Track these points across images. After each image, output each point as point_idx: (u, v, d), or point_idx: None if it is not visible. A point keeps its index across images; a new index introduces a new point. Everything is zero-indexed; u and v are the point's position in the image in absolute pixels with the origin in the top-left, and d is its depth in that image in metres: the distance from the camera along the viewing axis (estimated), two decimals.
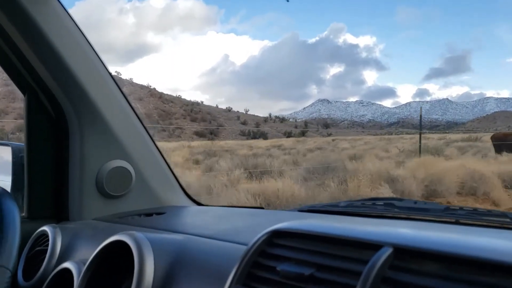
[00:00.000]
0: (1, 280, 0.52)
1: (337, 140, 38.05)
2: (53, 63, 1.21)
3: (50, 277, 1.10)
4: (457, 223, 0.92)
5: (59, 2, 1.21)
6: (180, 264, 0.87)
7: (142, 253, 0.86)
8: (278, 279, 0.65)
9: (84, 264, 0.99)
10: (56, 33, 1.19)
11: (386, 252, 0.57)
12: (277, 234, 0.70)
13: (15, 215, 0.63)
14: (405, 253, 0.56)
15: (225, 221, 1.15)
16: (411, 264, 0.55)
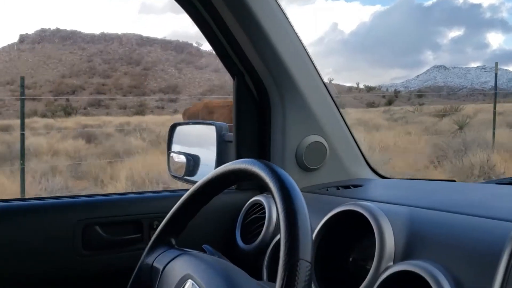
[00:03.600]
0: (302, 273, 0.59)
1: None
2: (262, 45, 1.38)
3: (274, 241, 1.31)
4: None
5: None
6: (419, 234, 0.91)
7: (379, 222, 0.93)
8: None
9: None
10: (264, 15, 1.35)
11: None
12: None
13: (304, 205, 0.68)
14: None
15: (439, 193, 1.23)
16: None
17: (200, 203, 0.95)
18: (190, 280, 0.80)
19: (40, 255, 1.27)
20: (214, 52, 1.52)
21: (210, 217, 1.49)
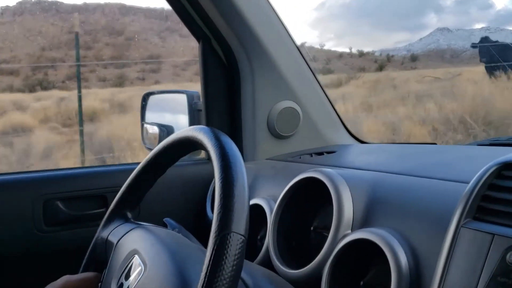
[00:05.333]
0: (233, 247, 0.57)
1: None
2: (226, 7, 1.34)
3: None
4: None
5: None
6: (378, 200, 0.90)
7: (338, 189, 0.93)
8: None
9: (273, 200, 1.12)
10: None
11: None
12: (507, 167, 0.71)
13: (244, 175, 0.65)
14: None
15: (408, 157, 1.21)
16: None
17: (154, 174, 0.92)
18: (136, 255, 0.78)
19: None
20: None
21: (180, 189, 1.47)
